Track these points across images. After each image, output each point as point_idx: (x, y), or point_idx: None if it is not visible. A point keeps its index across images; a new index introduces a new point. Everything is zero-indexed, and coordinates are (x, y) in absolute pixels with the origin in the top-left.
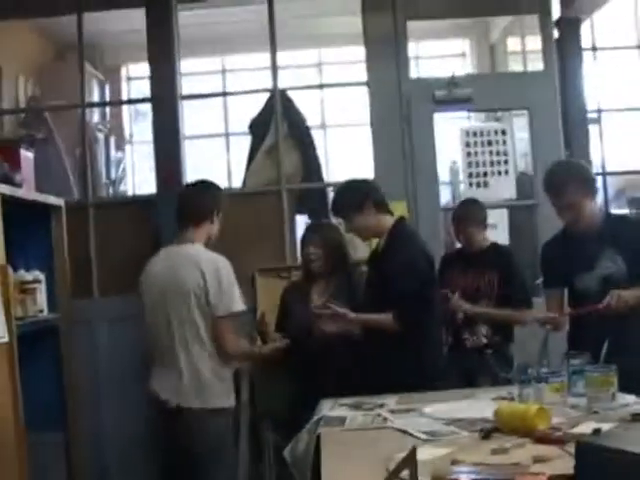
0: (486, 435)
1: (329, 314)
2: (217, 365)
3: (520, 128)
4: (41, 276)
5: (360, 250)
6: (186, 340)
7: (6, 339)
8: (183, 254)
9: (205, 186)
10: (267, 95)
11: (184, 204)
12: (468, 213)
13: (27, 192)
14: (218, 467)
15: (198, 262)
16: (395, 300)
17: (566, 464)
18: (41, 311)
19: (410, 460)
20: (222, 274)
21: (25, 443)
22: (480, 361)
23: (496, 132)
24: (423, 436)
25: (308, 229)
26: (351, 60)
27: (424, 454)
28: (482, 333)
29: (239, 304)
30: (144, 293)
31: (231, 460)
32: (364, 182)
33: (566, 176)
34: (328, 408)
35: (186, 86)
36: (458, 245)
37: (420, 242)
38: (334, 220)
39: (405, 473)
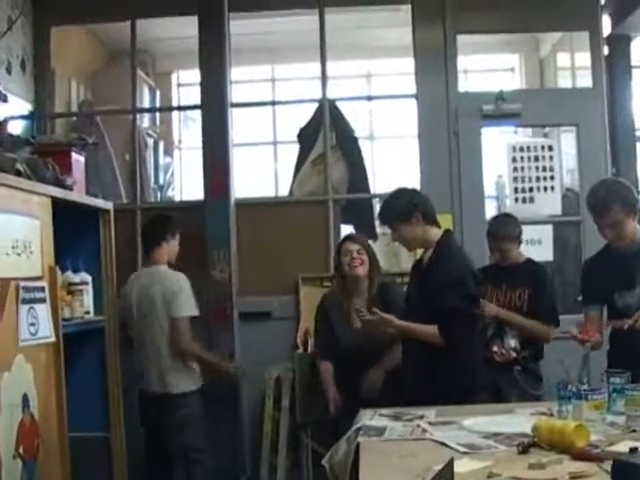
0: (524, 450)
1: (375, 320)
2: (176, 358)
3: (567, 144)
4: (88, 278)
5: (404, 261)
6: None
7: (53, 339)
8: (153, 273)
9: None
10: (316, 105)
11: (143, 234)
12: (503, 229)
13: (77, 195)
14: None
15: (162, 280)
16: (442, 315)
17: None
18: (87, 312)
19: (447, 472)
20: (180, 287)
21: (68, 441)
22: (508, 377)
23: (543, 148)
24: (461, 449)
25: (346, 238)
26: (400, 72)
27: (461, 467)
28: (511, 346)
29: (192, 310)
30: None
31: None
32: (414, 192)
33: (610, 195)
34: (368, 418)
35: (236, 94)
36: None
37: (466, 257)
38: (380, 229)
39: None
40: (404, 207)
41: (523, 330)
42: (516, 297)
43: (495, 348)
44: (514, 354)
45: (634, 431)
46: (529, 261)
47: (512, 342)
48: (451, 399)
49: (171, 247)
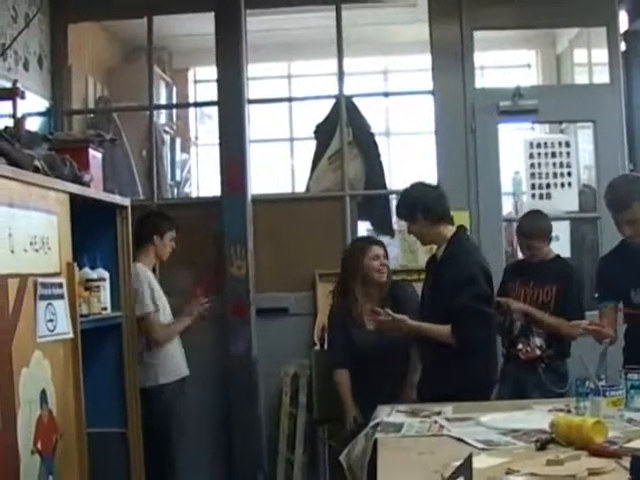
0: (542, 446)
1: (387, 320)
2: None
3: (584, 140)
4: (106, 274)
5: (420, 257)
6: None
7: (71, 335)
8: None
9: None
10: (332, 101)
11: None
12: (535, 226)
13: (95, 191)
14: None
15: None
16: (453, 315)
17: (621, 477)
18: (105, 309)
19: (466, 468)
20: (137, 285)
21: (86, 436)
22: (533, 375)
23: (560, 144)
24: (479, 445)
25: (371, 241)
26: (417, 68)
27: (479, 463)
28: (536, 344)
29: (146, 306)
30: None
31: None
32: (430, 188)
33: (629, 191)
34: (385, 414)
35: (252, 90)
36: (520, 256)
37: (479, 255)
38: (397, 225)
39: None
40: (407, 205)
41: (550, 327)
42: (544, 294)
43: (520, 346)
44: (539, 352)
45: None
46: (558, 258)
47: (537, 340)
48: (464, 398)
49: (158, 247)
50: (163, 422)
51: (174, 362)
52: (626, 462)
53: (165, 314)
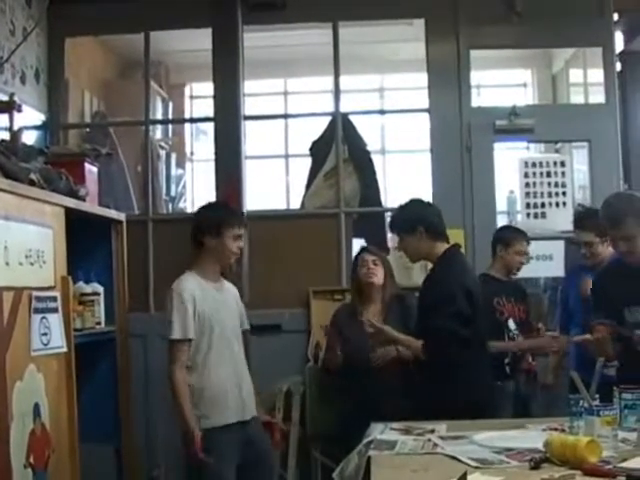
0: (536, 465)
1: (371, 331)
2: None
3: (579, 161)
4: (100, 289)
5: (415, 275)
6: None
7: (65, 349)
8: None
9: (197, 212)
10: (328, 118)
11: None
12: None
13: (90, 206)
14: None
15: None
16: (426, 333)
17: None
18: (99, 323)
19: None
20: (168, 302)
21: (79, 452)
22: (533, 388)
23: (555, 163)
24: (473, 463)
25: (363, 250)
26: (413, 86)
27: None
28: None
29: (174, 331)
30: None
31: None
32: (423, 205)
33: (625, 208)
34: (379, 431)
35: (249, 107)
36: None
37: (466, 274)
38: (391, 243)
39: None
40: (409, 219)
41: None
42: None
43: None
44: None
45: None
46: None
47: (529, 357)
48: (454, 415)
49: (216, 248)
50: None
51: None
52: None
53: (212, 344)
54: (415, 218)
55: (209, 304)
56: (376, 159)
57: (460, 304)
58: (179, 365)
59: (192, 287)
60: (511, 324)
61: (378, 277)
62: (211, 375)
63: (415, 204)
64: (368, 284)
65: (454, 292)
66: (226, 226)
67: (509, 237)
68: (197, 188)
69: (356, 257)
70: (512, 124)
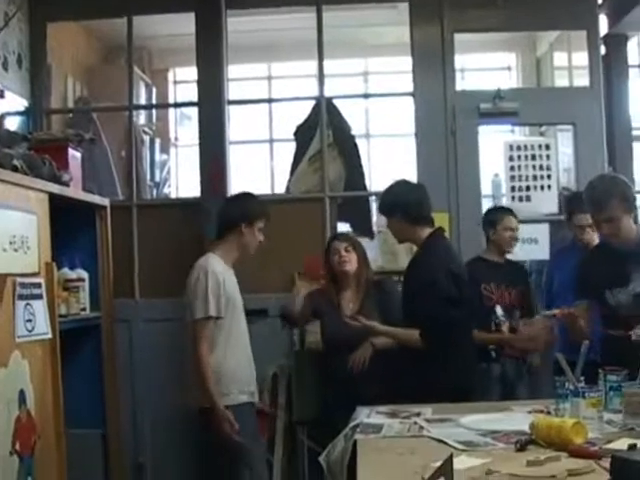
0: (522, 447)
1: (358, 326)
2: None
3: (564, 143)
4: (85, 275)
5: (401, 259)
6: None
7: (50, 335)
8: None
9: (233, 198)
10: (313, 103)
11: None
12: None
13: (74, 191)
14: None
15: (193, 271)
16: (419, 321)
17: (601, 478)
18: (84, 309)
19: (446, 469)
20: (195, 282)
21: (65, 438)
22: (519, 371)
23: (540, 146)
24: (459, 446)
25: (334, 237)
26: (397, 70)
27: (460, 463)
28: None
29: (200, 311)
30: None
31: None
32: (408, 188)
33: (609, 190)
34: (365, 415)
35: (233, 91)
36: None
37: (450, 258)
38: (376, 227)
39: None
40: (389, 202)
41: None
42: (513, 296)
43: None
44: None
45: (631, 429)
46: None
47: None
48: (440, 398)
49: (246, 239)
50: None
51: None
52: (606, 463)
53: (232, 324)
54: (394, 202)
55: (232, 285)
56: (361, 143)
57: (447, 287)
58: (206, 343)
59: (220, 268)
60: (498, 310)
61: (351, 264)
62: (230, 354)
63: (397, 187)
64: (341, 272)
65: (438, 276)
66: (261, 217)
67: (494, 216)
68: (181, 173)
69: (328, 245)
70: (497, 107)
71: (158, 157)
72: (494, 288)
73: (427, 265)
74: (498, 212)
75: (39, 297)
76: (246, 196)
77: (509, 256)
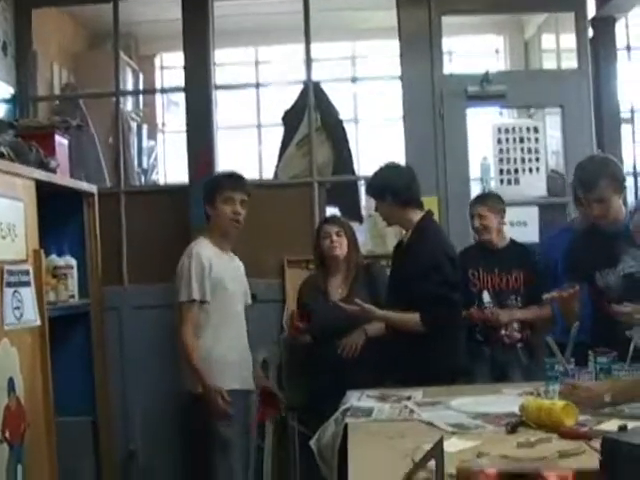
0: (512, 429)
1: (355, 310)
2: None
3: (552, 126)
4: (73, 262)
5: (390, 242)
6: None
7: (38, 323)
8: None
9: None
10: (300, 87)
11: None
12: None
13: (61, 178)
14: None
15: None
16: (419, 302)
17: (591, 459)
18: (72, 296)
19: (436, 451)
20: (181, 266)
21: (55, 425)
22: (512, 356)
23: (528, 129)
24: (449, 429)
25: (325, 221)
26: (385, 54)
27: (450, 446)
28: (514, 328)
29: (183, 294)
30: None
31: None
32: (397, 172)
33: (599, 170)
34: (355, 399)
35: (220, 76)
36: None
37: (445, 241)
38: (365, 211)
39: (431, 464)
40: (378, 185)
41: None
42: (512, 280)
43: (503, 331)
44: (518, 335)
45: (622, 410)
46: (515, 243)
47: (515, 325)
48: (434, 383)
49: (219, 216)
50: None
51: None
52: (596, 444)
53: (222, 309)
54: (384, 185)
55: (222, 269)
56: (349, 127)
57: (447, 270)
58: (190, 327)
59: (207, 251)
60: (485, 296)
61: (342, 248)
62: (220, 339)
63: (386, 170)
64: (331, 257)
65: (440, 259)
66: (218, 190)
67: (471, 206)
68: (169, 159)
69: (318, 229)
70: (484, 90)
71: (145, 143)
72: (482, 273)
73: (428, 249)
74: (474, 201)
75: (27, 284)
76: (212, 179)
77: (514, 238)
